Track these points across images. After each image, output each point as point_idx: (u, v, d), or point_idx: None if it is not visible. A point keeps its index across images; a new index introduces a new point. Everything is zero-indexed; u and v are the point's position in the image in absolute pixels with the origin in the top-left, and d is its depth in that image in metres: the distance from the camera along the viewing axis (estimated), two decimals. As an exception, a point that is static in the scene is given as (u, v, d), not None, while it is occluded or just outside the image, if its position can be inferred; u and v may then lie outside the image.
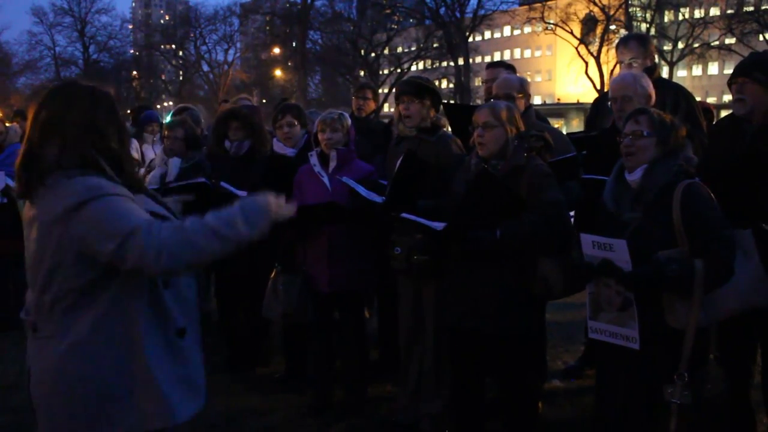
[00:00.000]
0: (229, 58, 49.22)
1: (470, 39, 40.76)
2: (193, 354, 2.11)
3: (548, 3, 40.12)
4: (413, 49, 43.60)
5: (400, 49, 45.57)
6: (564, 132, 5.10)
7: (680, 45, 37.91)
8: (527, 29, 48.00)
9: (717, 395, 2.66)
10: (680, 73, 43.73)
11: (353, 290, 3.98)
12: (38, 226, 1.97)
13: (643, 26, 37.37)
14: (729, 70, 3.30)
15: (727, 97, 3.45)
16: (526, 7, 42.23)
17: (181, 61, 50.73)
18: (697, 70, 47.36)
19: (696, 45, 37.45)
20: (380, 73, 42.01)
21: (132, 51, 54.26)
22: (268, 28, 49.39)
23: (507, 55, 54.53)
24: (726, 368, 2.70)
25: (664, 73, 35.91)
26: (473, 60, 40.69)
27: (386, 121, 5.75)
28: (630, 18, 38.10)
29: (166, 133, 4.95)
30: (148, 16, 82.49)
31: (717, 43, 36.99)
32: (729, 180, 2.93)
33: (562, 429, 3.86)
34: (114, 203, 1.91)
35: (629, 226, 2.69)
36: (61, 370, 1.96)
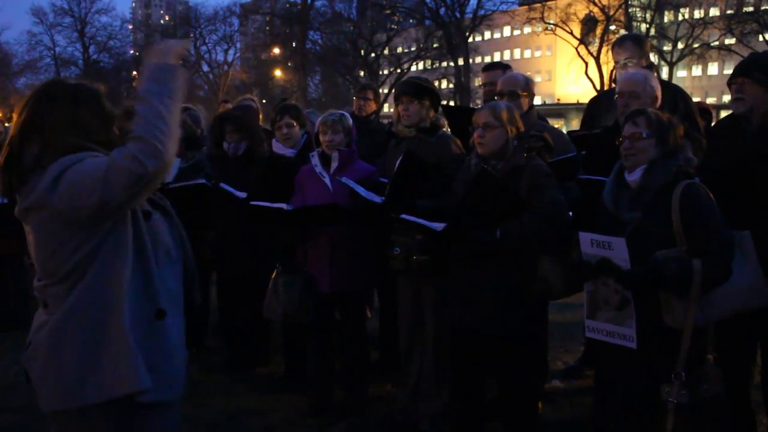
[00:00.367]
0: (229, 59, 49.29)
1: (470, 39, 40.78)
2: (169, 339, 2.12)
3: (548, 3, 40.12)
4: (413, 49, 43.63)
5: (400, 50, 45.60)
6: (564, 132, 5.09)
7: (680, 45, 37.93)
8: (527, 29, 48.00)
9: (715, 395, 2.66)
10: (680, 74, 43.75)
11: (354, 291, 3.98)
12: (30, 217, 2.02)
13: (643, 26, 37.41)
14: (729, 71, 3.30)
15: (727, 98, 3.45)
16: (525, 7, 42.22)
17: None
18: (696, 71, 47.37)
19: (696, 45, 37.46)
20: (380, 73, 42.02)
21: (132, 51, 54.24)
22: (267, 28, 49.38)
23: (507, 56, 54.55)
24: (724, 368, 2.70)
25: (664, 73, 35.97)
26: (473, 60, 40.70)
27: (386, 121, 5.76)
28: (630, 18, 38.12)
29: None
30: (148, 17, 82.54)
31: (717, 43, 37.01)
32: (728, 180, 2.93)
33: (562, 429, 3.86)
34: (85, 162, 1.95)
35: (628, 226, 2.70)
36: (53, 333, 2.03)
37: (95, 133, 2.05)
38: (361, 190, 3.60)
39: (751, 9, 34.79)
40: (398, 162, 3.50)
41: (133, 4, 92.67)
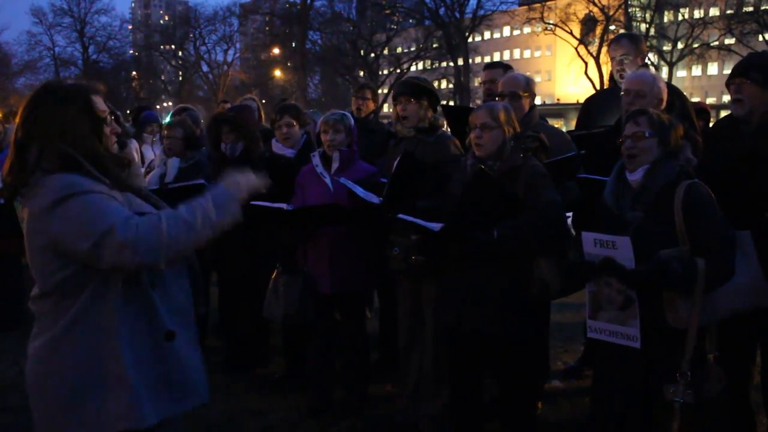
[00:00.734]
0: (229, 59, 49.23)
1: (470, 39, 40.80)
2: (184, 356, 2.10)
3: (548, 3, 40.13)
4: (413, 49, 43.62)
5: (399, 50, 45.59)
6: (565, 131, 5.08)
7: (680, 45, 37.92)
8: (527, 29, 48.00)
9: (718, 394, 2.66)
10: (680, 74, 43.76)
11: (354, 291, 3.98)
12: (26, 224, 2.00)
13: (643, 26, 37.42)
14: (728, 71, 3.30)
15: (727, 98, 3.44)
16: (525, 7, 42.22)
17: (180, 62, 50.70)
18: (696, 71, 47.38)
19: (695, 45, 37.46)
20: (380, 73, 42.01)
21: (131, 51, 54.24)
22: (267, 28, 49.40)
23: (506, 56, 54.57)
24: (724, 368, 2.70)
25: (664, 73, 35.97)
26: (473, 60, 40.72)
27: (386, 121, 5.75)
28: (629, 18, 38.12)
29: (165, 133, 4.96)
30: (147, 17, 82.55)
31: (716, 43, 37.00)
32: (727, 181, 2.93)
33: (562, 429, 3.86)
34: (90, 200, 1.90)
35: (631, 226, 2.70)
36: (38, 361, 2.01)
37: (84, 137, 2.00)
38: (359, 191, 3.59)
39: (751, 9, 34.79)
40: (396, 162, 3.50)
41: (133, 4, 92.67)
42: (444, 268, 3.34)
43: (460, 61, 39.46)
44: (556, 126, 5.76)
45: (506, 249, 3.05)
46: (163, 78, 53.63)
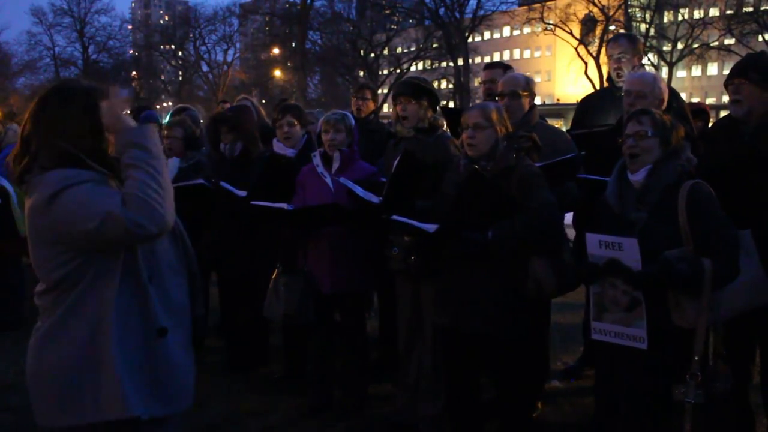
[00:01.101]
0: (229, 59, 49.27)
1: (470, 39, 40.79)
2: (174, 357, 2.11)
3: (548, 3, 40.13)
4: (413, 49, 43.62)
5: (399, 50, 45.59)
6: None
7: (680, 45, 37.94)
8: (527, 30, 48.01)
9: (726, 393, 2.66)
10: (680, 74, 43.78)
11: (354, 291, 3.98)
12: (28, 221, 2.04)
13: (643, 27, 37.44)
14: (728, 71, 3.31)
15: (726, 98, 3.45)
16: (525, 7, 42.23)
17: (180, 62, 50.72)
18: (696, 71, 47.41)
19: (695, 45, 37.47)
20: (380, 73, 42.01)
21: (131, 51, 54.23)
22: (267, 28, 49.39)
23: (506, 56, 54.57)
24: (732, 366, 2.70)
25: (663, 73, 35.97)
26: (473, 60, 40.71)
27: (386, 121, 5.74)
28: (629, 18, 38.14)
29: (165, 133, 4.96)
30: (147, 17, 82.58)
31: (716, 43, 37.02)
32: (727, 180, 2.94)
33: (562, 429, 3.86)
34: (90, 187, 1.96)
35: (635, 226, 2.69)
36: (37, 349, 2.05)
37: (84, 135, 2.03)
38: (359, 190, 3.59)
39: (750, 9, 34.81)
40: (396, 162, 3.50)
41: (133, 4, 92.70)
42: (438, 270, 3.33)
43: (460, 61, 39.45)
44: (556, 126, 5.76)
45: (501, 249, 3.04)
46: (163, 78, 53.67)
